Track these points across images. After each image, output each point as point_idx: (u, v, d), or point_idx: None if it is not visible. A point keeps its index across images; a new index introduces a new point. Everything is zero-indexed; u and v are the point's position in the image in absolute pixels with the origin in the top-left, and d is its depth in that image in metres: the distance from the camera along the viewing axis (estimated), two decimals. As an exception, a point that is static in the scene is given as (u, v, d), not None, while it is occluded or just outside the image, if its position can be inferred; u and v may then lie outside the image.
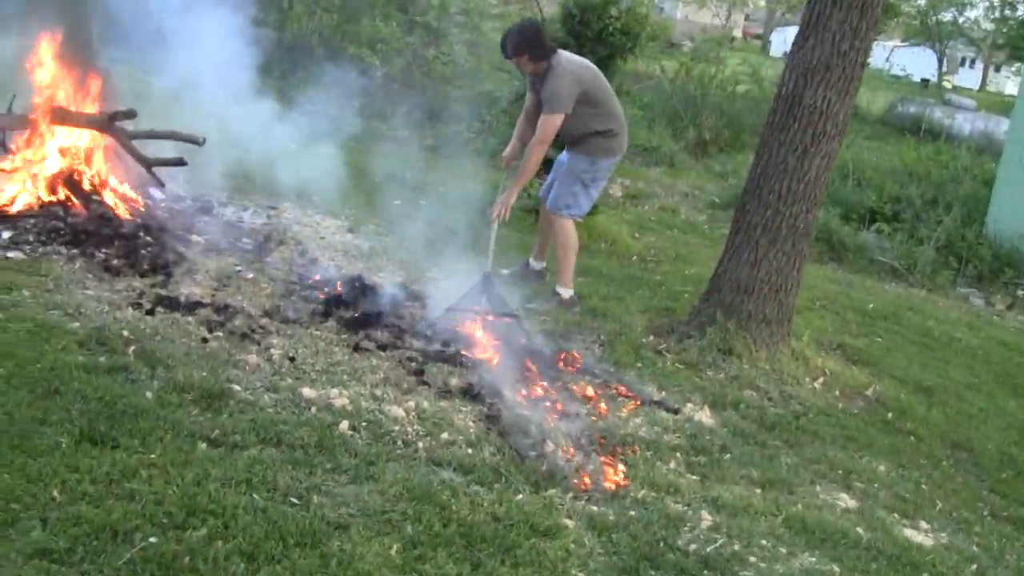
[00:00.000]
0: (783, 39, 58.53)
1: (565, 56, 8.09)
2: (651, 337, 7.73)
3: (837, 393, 7.44)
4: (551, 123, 7.92)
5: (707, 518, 5.14)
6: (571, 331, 7.66)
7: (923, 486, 6.24)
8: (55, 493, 4.18)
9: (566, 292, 8.45)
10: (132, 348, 5.74)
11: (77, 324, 5.92)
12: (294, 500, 4.51)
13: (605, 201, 11.92)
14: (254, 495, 4.46)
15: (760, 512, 5.32)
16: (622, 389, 6.64)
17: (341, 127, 14.19)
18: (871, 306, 10.20)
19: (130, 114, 7.72)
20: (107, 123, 7.75)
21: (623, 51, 10.71)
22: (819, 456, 6.26)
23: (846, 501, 5.72)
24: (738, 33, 62.63)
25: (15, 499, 4.11)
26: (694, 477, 5.64)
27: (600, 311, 8.17)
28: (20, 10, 8.08)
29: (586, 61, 8.35)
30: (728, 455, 6.01)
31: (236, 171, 9.83)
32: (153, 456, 4.61)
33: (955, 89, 53.23)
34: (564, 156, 8.64)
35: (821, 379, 7.53)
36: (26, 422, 4.70)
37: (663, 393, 6.74)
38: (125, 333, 5.90)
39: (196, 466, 4.60)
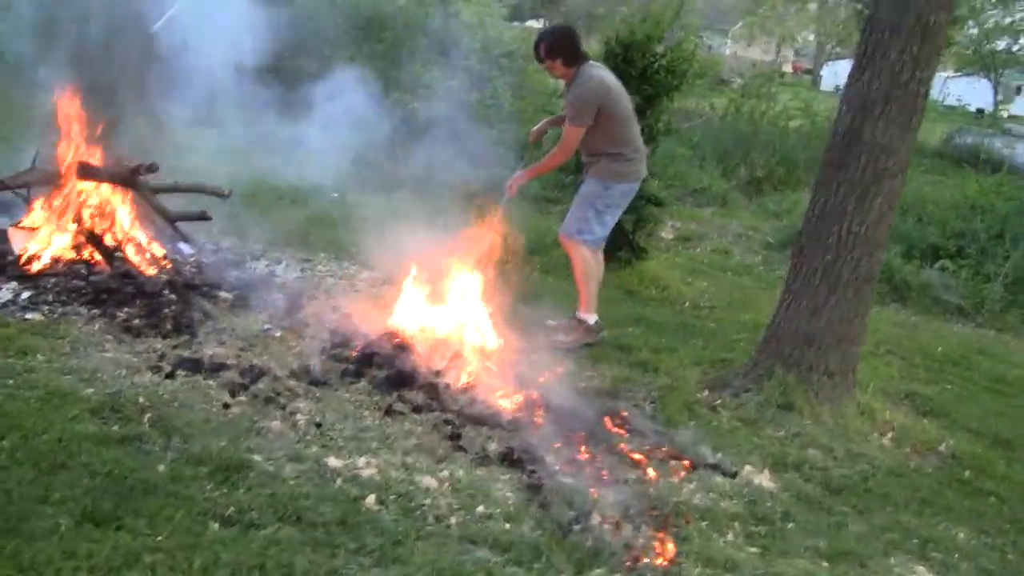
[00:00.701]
0: (835, 73, 57.99)
1: (594, 67, 7.93)
2: (705, 392, 7.25)
3: (908, 449, 6.88)
4: (572, 134, 7.85)
5: (770, 599, 4.67)
6: (619, 387, 7.19)
7: (1009, 556, 5.64)
8: (48, 585, 3.82)
9: (589, 317, 8.23)
10: (148, 416, 5.41)
11: (91, 390, 5.59)
12: (312, 588, 4.10)
13: (656, 245, 11.50)
14: (267, 583, 4.06)
15: (828, 590, 4.85)
16: (674, 451, 6.16)
17: (381, 174, 13.95)
18: (939, 350, 9.65)
19: (152, 168, 7.42)
20: (130, 177, 7.44)
21: (669, 90, 10.28)
22: (891, 523, 5.71)
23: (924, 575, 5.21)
24: (788, 68, 62.07)
25: (3, 593, 3.75)
26: (754, 550, 5.15)
27: (651, 364, 7.70)
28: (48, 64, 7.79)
29: (613, 77, 8.10)
30: (791, 524, 5.50)
31: (272, 221, 9.50)
32: (160, 538, 4.25)
33: (1011, 118, 52.43)
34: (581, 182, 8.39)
35: (890, 434, 7.00)
36: (26, 501, 4.38)
37: (719, 454, 6.23)
38: (141, 399, 5.56)
39: (206, 550, 4.22)
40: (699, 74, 11.05)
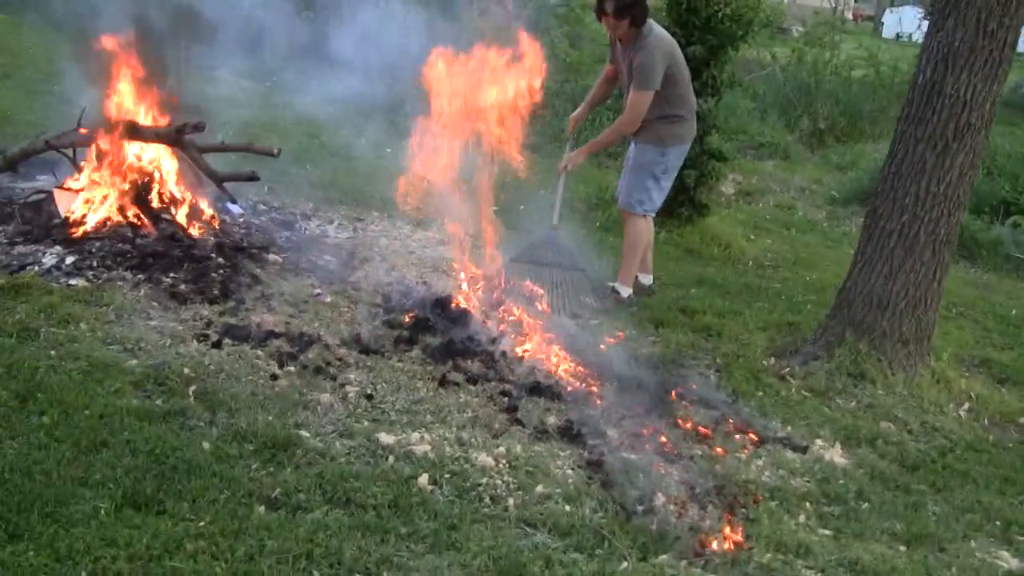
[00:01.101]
0: (898, 20, 56.86)
1: (656, 28, 7.57)
2: (772, 360, 6.95)
3: (986, 422, 6.54)
4: (643, 99, 7.52)
5: (846, 587, 4.40)
6: (683, 354, 6.90)
7: (1098, 539, 5.34)
8: (84, 575, 3.60)
9: (625, 290, 8.00)
10: (192, 388, 5.20)
11: (135, 361, 5.38)
12: (361, 577, 3.88)
13: (717, 200, 11.16)
14: (314, 572, 3.87)
15: (909, 578, 4.56)
16: (742, 424, 5.87)
17: (434, 128, 13.69)
18: (1013, 312, 9.22)
19: (199, 127, 7.16)
20: (176, 136, 7.20)
21: (734, 40, 9.89)
22: (971, 503, 5.38)
23: (1007, 561, 4.87)
24: (849, 15, 61.04)
25: (38, 583, 3.55)
26: (827, 532, 4.88)
27: (715, 329, 7.40)
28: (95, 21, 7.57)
29: (670, 36, 7.77)
30: (866, 504, 5.21)
31: (324, 180, 9.26)
32: (202, 524, 4.04)
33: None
34: (631, 149, 8.15)
35: (967, 405, 6.66)
36: (65, 483, 4.18)
37: (788, 428, 5.95)
38: (186, 371, 5.36)
39: (250, 536, 4.02)
40: (764, 23, 10.59)
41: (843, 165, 15.74)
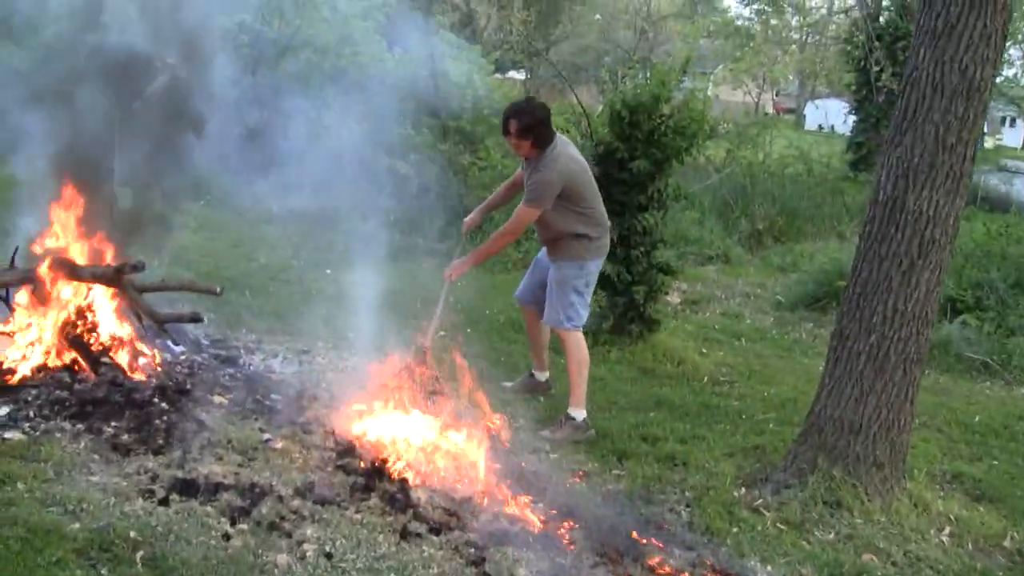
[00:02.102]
0: (822, 113, 57.88)
1: (560, 144, 7.55)
2: (743, 490, 6.70)
3: (970, 547, 6.29)
4: (527, 215, 7.56)
5: None
6: (651, 489, 6.64)
7: None
8: None
9: (579, 414, 7.75)
10: (140, 554, 4.85)
11: (78, 525, 5.02)
12: None
13: (663, 310, 10.99)
14: None
15: None
16: (720, 566, 5.60)
17: (376, 245, 13.47)
18: (976, 419, 9.04)
19: (139, 267, 6.89)
20: (115, 277, 6.92)
21: (679, 153, 9.78)
22: (968, 644, 5.17)
23: None
24: (770, 109, 62.02)
25: None
26: None
27: (680, 458, 7.15)
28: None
29: (579, 155, 7.80)
30: (858, 649, 4.97)
31: (265, 308, 8.98)
32: None
33: (999, 150, 52.14)
34: (543, 258, 8.11)
35: (948, 529, 6.42)
36: None
37: (768, 567, 5.68)
38: (132, 534, 5.00)
39: None
40: (708, 135, 10.48)
41: (784, 267, 15.74)
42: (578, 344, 7.85)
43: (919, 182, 6.26)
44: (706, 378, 9.59)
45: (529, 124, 7.39)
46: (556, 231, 7.67)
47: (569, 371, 7.89)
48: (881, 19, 23.63)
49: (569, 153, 7.60)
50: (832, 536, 6.19)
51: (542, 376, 8.55)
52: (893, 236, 6.37)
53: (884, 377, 6.48)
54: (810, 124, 59.76)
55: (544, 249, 8.07)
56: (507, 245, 7.93)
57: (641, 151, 9.64)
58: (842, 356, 6.64)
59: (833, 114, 49.74)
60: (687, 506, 6.43)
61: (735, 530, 6.11)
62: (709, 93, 14.53)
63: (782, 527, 6.22)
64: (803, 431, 6.89)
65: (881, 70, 20.98)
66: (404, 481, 6.04)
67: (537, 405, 8.19)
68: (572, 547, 5.56)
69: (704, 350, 10.72)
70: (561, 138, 7.65)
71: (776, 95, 68.28)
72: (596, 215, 7.76)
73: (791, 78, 56.76)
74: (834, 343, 6.78)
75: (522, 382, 8.56)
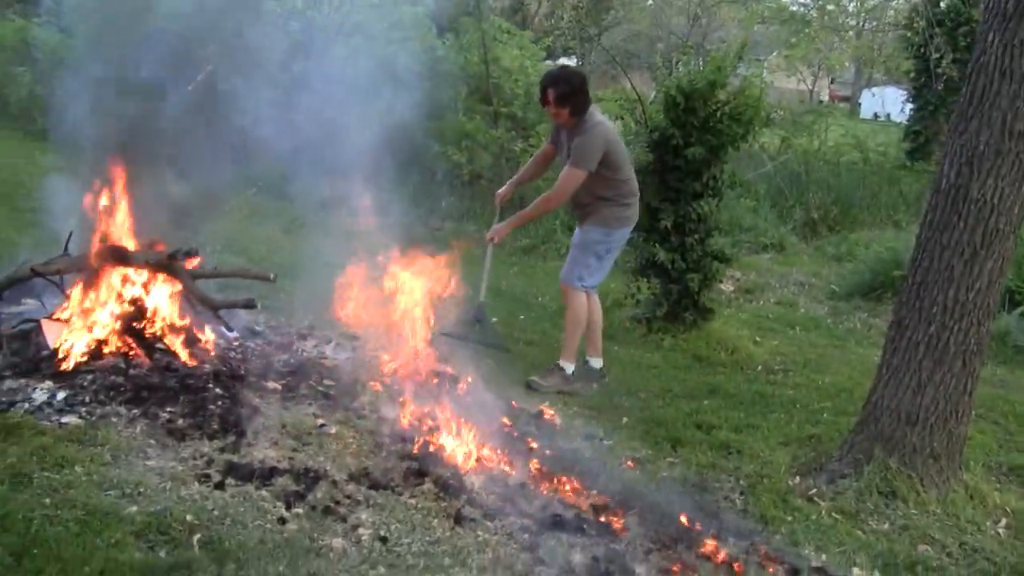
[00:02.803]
0: (878, 100, 57.18)
1: (599, 116, 7.78)
2: (798, 479, 6.65)
3: (1027, 540, 6.25)
4: (574, 177, 7.73)
5: None
6: (705, 476, 6.61)
7: None
8: None
9: (569, 366, 8.23)
10: (197, 537, 4.87)
11: (135, 508, 5.04)
12: None
13: (717, 299, 10.93)
14: None
15: None
16: (774, 555, 5.55)
17: (428, 233, 13.48)
18: (1033, 410, 8.96)
19: (192, 252, 6.91)
20: (168, 263, 6.95)
21: (735, 140, 9.71)
22: (1025, 636, 5.10)
23: None
24: (825, 97, 61.41)
25: None
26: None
27: (735, 446, 7.12)
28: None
29: (611, 124, 8.05)
30: (915, 639, 4.92)
31: (318, 294, 9.00)
32: None
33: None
34: (576, 232, 8.43)
35: (1004, 521, 6.34)
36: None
37: (823, 556, 5.64)
38: (189, 517, 5.01)
39: None
40: (765, 122, 10.40)
41: (839, 256, 15.57)
42: (580, 304, 8.13)
43: (984, 170, 6.14)
44: (760, 367, 9.54)
45: (566, 92, 7.62)
46: (589, 197, 7.89)
47: (566, 324, 8.22)
48: (942, 4, 23.18)
49: (604, 119, 7.79)
50: (887, 526, 6.13)
51: (596, 363, 8.57)
52: (955, 225, 6.27)
53: (943, 368, 6.39)
54: (865, 112, 59.05)
55: (578, 229, 8.30)
56: (551, 210, 8.09)
57: (696, 138, 9.59)
58: (900, 346, 6.56)
59: (890, 102, 49.04)
60: (741, 494, 6.40)
61: (789, 519, 6.06)
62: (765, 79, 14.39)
63: (837, 516, 6.17)
64: (859, 421, 6.82)
65: (941, 57, 20.61)
66: (458, 467, 6.05)
67: (591, 391, 8.16)
68: (626, 533, 5.54)
69: (758, 338, 10.66)
70: (595, 107, 7.84)
71: (831, 83, 67.64)
72: (630, 184, 8.01)
73: (847, 65, 56.33)
74: (892, 333, 6.70)
75: (578, 368, 8.50)
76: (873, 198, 18.48)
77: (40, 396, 6.18)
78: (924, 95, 23.61)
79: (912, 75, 24.68)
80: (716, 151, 9.65)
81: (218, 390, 6.59)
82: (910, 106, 25.01)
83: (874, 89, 59.00)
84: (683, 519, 5.78)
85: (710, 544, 5.54)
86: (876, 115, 57.25)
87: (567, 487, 6.04)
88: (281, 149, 8.40)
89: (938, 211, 6.38)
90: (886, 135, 25.39)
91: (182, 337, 7.09)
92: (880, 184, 18.86)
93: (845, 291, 13.31)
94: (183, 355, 6.92)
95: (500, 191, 8.38)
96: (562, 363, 8.17)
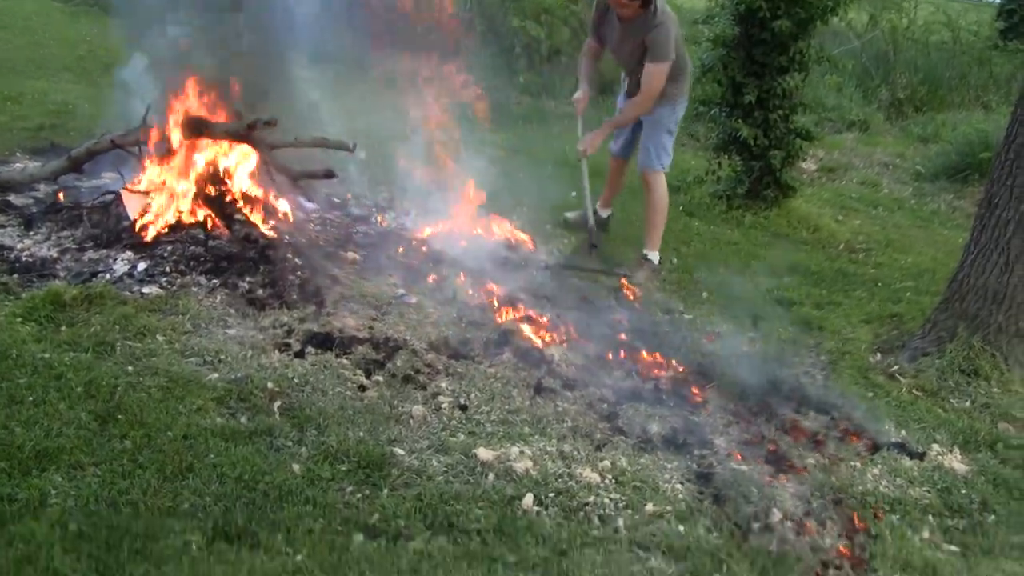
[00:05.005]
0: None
1: (659, 2, 7.52)
2: (879, 355, 6.60)
3: (1110, 422, 6.17)
4: (662, 72, 7.58)
5: (981, 615, 4.08)
6: (785, 351, 6.58)
7: None
8: (179, 620, 3.38)
9: (656, 256, 8.13)
10: (278, 404, 4.96)
11: (216, 376, 5.14)
12: (471, 615, 3.62)
13: (799, 178, 10.78)
14: (421, 611, 3.58)
15: (1047, 602, 4.24)
16: (854, 429, 5.53)
17: (508, 109, 13.36)
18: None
19: (272, 123, 6.88)
20: (247, 133, 6.93)
21: (824, 13, 9.46)
22: (1104, 513, 5.03)
23: None
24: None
25: (131, 635, 3.32)
26: (954, 549, 4.57)
27: (816, 322, 7.08)
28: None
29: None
30: (991, 516, 4.88)
31: (397, 167, 8.98)
32: (299, 558, 3.81)
33: None
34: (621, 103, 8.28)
35: (1087, 403, 6.29)
36: (153, 515, 3.96)
37: (903, 432, 5.61)
38: (270, 385, 5.11)
39: (350, 570, 3.80)
40: (856, -7, 10.13)
41: (925, 137, 15.23)
42: (663, 188, 8.09)
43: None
44: (842, 245, 9.43)
45: None
46: None
47: (649, 215, 8.14)
48: None
49: (666, 7, 7.61)
50: (968, 404, 6.08)
51: (605, 212, 8.79)
52: (1053, 100, 6.11)
53: (1033, 247, 6.27)
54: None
55: (621, 98, 8.25)
56: (643, 114, 7.84)
57: (784, 10, 9.33)
58: (989, 224, 6.43)
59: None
60: (822, 370, 6.38)
61: (870, 395, 6.04)
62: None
63: (917, 394, 6.13)
64: (944, 299, 6.72)
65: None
66: (537, 338, 6.06)
67: (670, 267, 8.13)
68: (705, 406, 5.54)
69: (840, 218, 10.52)
70: None
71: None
72: (685, 59, 7.91)
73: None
74: (982, 211, 6.56)
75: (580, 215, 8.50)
76: (962, 79, 17.98)
77: (121, 267, 6.26)
78: (1021, -28, 22.83)
79: (1008, -49, 23.87)
80: (803, 24, 9.40)
81: (297, 260, 6.63)
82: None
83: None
84: (763, 394, 5.77)
85: (790, 418, 5.53)
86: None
87: (647, 359, 6.03)
88: (355, 22, 8.33)
89: (1037, 85, 6.19)
90: (978, 13, 24.63)
91: (261, 208, 7.11)
92: (970, 64, 18.33)
93: (931, 172, 13.05)
94: (262, 226, 6.94)
95: (578, 97, 8.05)
96: (649, 254, 8.06)
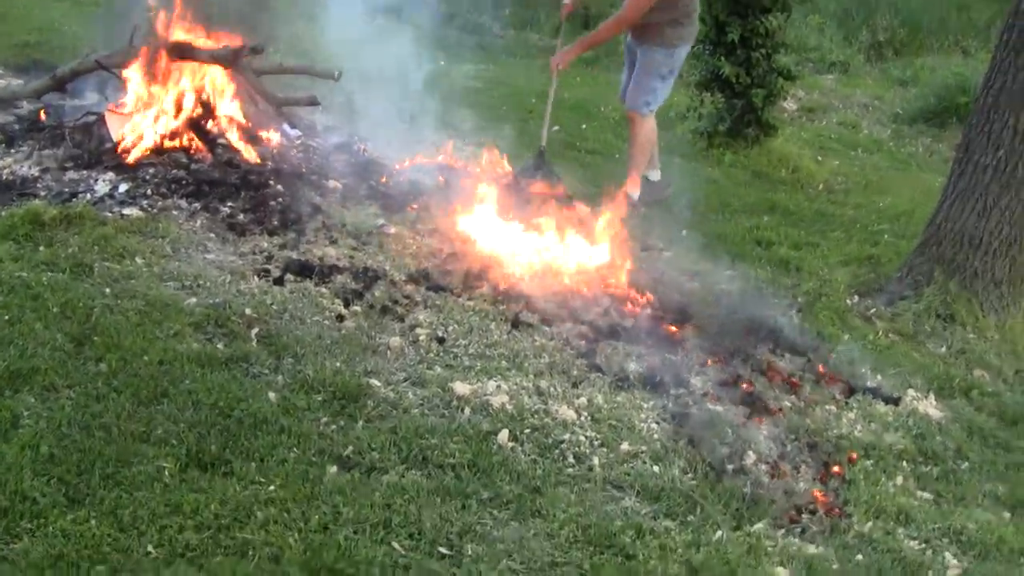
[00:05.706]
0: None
1: None
2: (856, 298, 6.64)
3: (1085, 370, 6.22)
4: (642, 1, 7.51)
5: (953, 563, 4.12)
6: (763, 292, 6.58)
7: None
8: (150, 548, 3.40)
9: (636, 192, 8.06)
10: (255, 331, 4.94)
11: (194, 300, 5.11)
12: (443, 550, 3.64)
13: (779, 117, 10.78)
14: (394, 544, 3.61)
15: (1017, 551, 4.27)
16: (830, 372, 5.55)
17: (490, 41, 13.29)
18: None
19: (258, 49, 6.80)
20: (232, 58, 6.84)
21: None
22: (1076, 462, 5.08)
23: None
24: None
25: (101, 557, 3.30)
26: (927, 496, 4.60)
27: (793, 263, 7.10)
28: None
29: None
30: (965, 463, 4.93)
31: (377, 97, 8.92)
32: (272, 488, 3.80)
33: None
34: (632, 44, 8.12)
35: (1062, 353, 6.34)
36: (126, 440, 3.94)
37: (878, 376, 5.62)
38: (248, 311, 5.08)
39: (324, 501, 3.77)
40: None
41: (904, 80, 15.26)
42: (647, 129, 8.02)
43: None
44: (821, 186, 9.48)
45: None
46: (649, 17, 7.63)
47: (632, 153, 8.11)
48: None
49: None
50: (944, 350, 6.12)
51: (654, 175, 8.46)
52: (1032, 46, 6.10)
53: (1009, 193, 6.29)
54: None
55: (630, 36, 8.10)
56: (618, 33, 7.96)
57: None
58: (967, 169, 6.45)
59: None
60: (799, 311, 6.38)
61: (846, 337, 6.05)
62: None
63: (894, 337, 6.17)
64: (921, 242, 6.76)
65: None
66: (516, 272, 6.04)
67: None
68: (683, 345, 5.54)
69: (819, 158, 10.57)
70: None
71: None
72: (691, 4, 7.82)
73: None
74: (959, 155, 6.58)
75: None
76: (941, 23, 17.98)
77: (102, 188, 6.21)
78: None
79: None
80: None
81: (279, 187, 6.57)
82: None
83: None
84: (740, 334, 5.77)
85: (766, 359, 5.54)
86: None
87: (624, 296, 6.01)
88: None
89: (1015, 32, 6.19)
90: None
91: (244, 133, 7.04)
92: (949, 9, 18.33)
93: (909, 115, 13.09)
94: (245, 151, 6.87)
95: (566, 1, 8.04)
96: (630, 192, 7.96)
